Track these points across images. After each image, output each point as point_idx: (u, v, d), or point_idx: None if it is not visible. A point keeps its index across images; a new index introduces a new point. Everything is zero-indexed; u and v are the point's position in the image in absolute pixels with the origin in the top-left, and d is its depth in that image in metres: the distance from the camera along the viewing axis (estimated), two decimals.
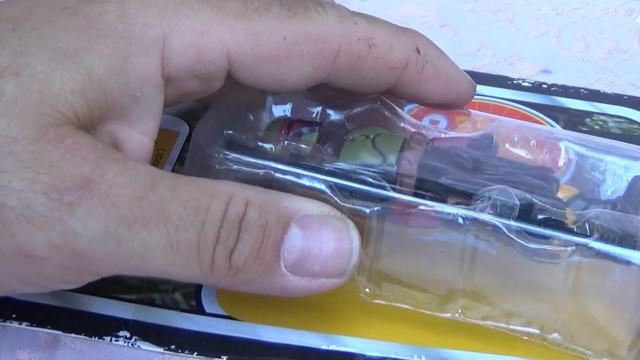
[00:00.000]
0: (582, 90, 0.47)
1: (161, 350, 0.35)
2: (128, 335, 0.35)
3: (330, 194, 0.31)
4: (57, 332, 0.35)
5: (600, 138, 0.36)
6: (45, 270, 0.29)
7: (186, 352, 0.34)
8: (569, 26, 0.53)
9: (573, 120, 0.44)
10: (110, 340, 0.35)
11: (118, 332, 0.35)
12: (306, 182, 0.32)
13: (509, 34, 0.53)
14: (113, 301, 0.36)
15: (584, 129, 0.43)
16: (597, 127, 0.44)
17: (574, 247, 0.30)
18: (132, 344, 0.35)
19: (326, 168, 0.32)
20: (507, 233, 0.30)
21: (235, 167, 0.32)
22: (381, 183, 0.32)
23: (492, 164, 0.33)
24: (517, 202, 0.30)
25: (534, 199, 0.31)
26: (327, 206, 0.31)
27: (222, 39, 0.31)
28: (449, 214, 0.31)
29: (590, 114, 0.45)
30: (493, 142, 0.34)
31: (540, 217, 0.30)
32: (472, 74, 0.45)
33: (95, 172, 0.28)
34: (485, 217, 0.30)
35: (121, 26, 0.30)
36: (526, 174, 0.32)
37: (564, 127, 0.44)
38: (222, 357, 0.34)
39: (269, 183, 0.32)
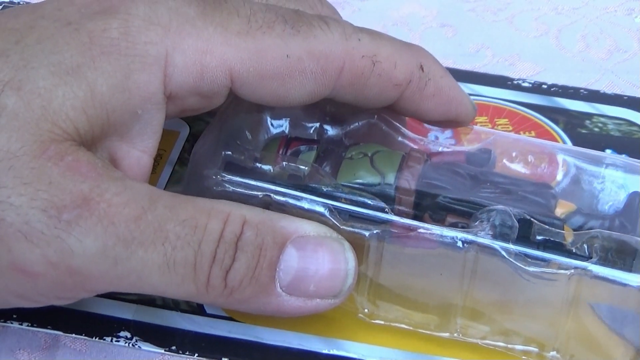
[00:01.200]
0: (582, 90, 0.46)
1: (162, 351, 0.35)
2: (129, 335, 0.35)
3: (329, 216, 0.31)
4: (58, 333, 0.35)
5: (598, 152, 0.35)
6: (40, 286, 0.29)
7: (187, 353, 0.34)
8: (569, 26, 0.53)
9: (573, 122, 0.44)
10: (111, 340, 0.35)
11: (119, 332, 0.35)
12: (305, 204, 0.32)
13: (509, 34, 0.53)
14: (114, 301, 0.36)
15: (584, 131, 0.43)
16: (596, 129, 0.43)
17: (572, 271, 0.30)
18: (132, 345, 0.35)
19: (325, 190, 0.32)
20: (506, 256, 0.30)
21: (232, 189, 0.32)
22: (380, 205, 0.32)
23: (490, 180, 0.33)
24: (516, 224, 0.30)
25: (532, 219, 0.30)
26: (323, 227, 0.31)
27: (225, 57, 0.31)
28: (447, 236, 0.31)
29: (590, 115, 0.45)
30: (491, 157, 0.34)
31: (538, 238, 0.30)
32: (471, 74, 0.45)
33: (94, 191, 0.28)
34: (484, 240, 0.30)
35: (124, 44, 0.30)
36: (524, 190, 0.32)
37: (564, 129, 0.43)
38: (222, 358, 0.34)
39: (268, 205, 0.32)
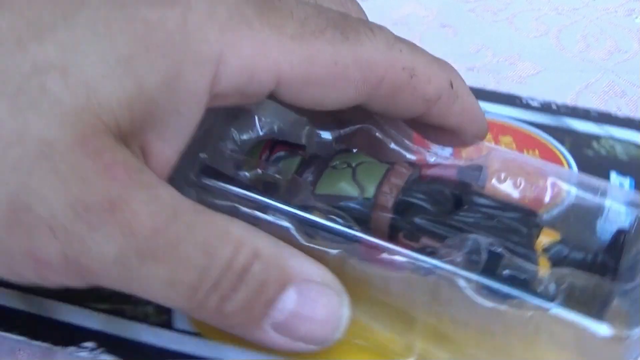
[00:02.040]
0: (592, 112, 0.46)
1: None
2: (94, 346, 0.34)
3: (293, 232, 0.31)
4: (22, 338, 0.34)
5: (598, 179, 0.34)
6: (45, 273, 0.29)
7: None
8: (569, 26, 0.53)
9: (579, 143, 0.44)
10: (76, 349, 0.34)
11: (84, 342, 0.34)
12: (270, 217, 0.31)
13: (509, 34, 0.53)
14: (83, 310, 0.35)
15: (590, 152, 0.43)
16: (603, 151, 0.43)
17: (532, 313, 0.29)
18: (95, 356, 0.34)
19: (294, 205, 0.32)
20: (465, 287, 0.29)
21: (205, 193, 0.32)
22: (348, 224, 0.31)
23: (474, 202, 0.32)
24: (485, 256, 0.30)
25: (502, 253, 0.30)
26: (329, 274, 0.30)
27: (277, 62, 0.30)
28: (412, 260, 0.30)
29: (598, 137, 0.44)
30: (481, 174, 0.34)
31: (505, 272, 0.29)
32: (480, 91, 0.45)
33: (122, 197, 0.27)
34: (450, 268, 0.30)
35: (179, 37, 0.28)
36: (507, 216, 0.32)
37: (570, 149, 0.43)
38: None
39: (236, 212, 0.31)
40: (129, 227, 0.27)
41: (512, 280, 0.29)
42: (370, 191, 0.32)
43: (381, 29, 0.32)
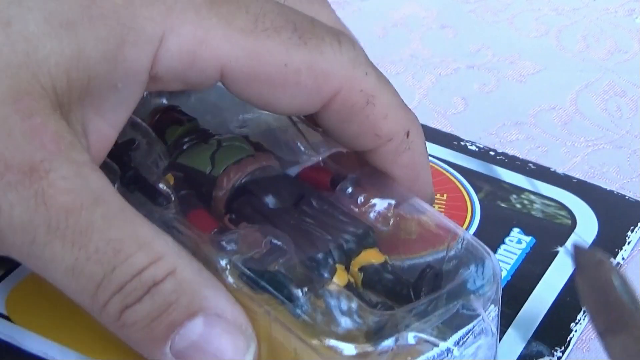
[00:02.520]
0: (530, 165, 0.44)
1: None
2: None
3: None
4: None
5: (450, 222, 0.32)
6: None
7: None
8: (569, 26, 0.53)
9: (497, 194, 0.42)
10: None
11: None
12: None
13: (509, 34, 0.53)
14: None
15: (503, 204, 0.41)
16: (519, 205, 0.41)
17: (267, 307, 0.29)
18: None
19: (148, 166, 0.32)
20: (222, 267, 0.29)
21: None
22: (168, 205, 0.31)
23: (317, 203, 0.32)
24: (265, 249, 0.29)
25: (283, 248, 0.29)
26: (244, 318, 0.29)
27: (220, 52, 0.30)
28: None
29: (521, 190, 0.42)
30: (348, 186, 0.33)
31: (276, 269, 0.29)
32: (423, 127, 0.45)
33: (44, 165, 0.27)
34: (216, 250, 0.30)
35: (124, 12, 0.29)
36: (340, 228, 0.31)
37: (482, 199, 0.41)
38: None
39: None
40: (43, 197, 0.27)
41: (272, 276, 0.29)
42: (219, 170, 0.32)
43: (354, 46, 0.31)
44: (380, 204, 0.32)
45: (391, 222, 0.32)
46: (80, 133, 0.29)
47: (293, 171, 0.33)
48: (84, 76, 0.28)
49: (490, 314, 0.30)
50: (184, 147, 0.34)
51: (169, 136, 0.34)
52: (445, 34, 0.53)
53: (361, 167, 0.33)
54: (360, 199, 0.32)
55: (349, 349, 0.28)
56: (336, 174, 0.33)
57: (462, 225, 0.40)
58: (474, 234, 0.39)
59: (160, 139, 0.34)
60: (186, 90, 0.32)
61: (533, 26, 0.53)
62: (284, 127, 0.35)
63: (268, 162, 0.33)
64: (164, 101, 0.37)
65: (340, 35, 0.31)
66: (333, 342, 0.28)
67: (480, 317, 0.30)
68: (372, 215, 0.32)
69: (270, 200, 0.32)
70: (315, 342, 0.28)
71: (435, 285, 0.30)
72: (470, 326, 0.29)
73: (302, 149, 0.34)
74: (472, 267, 0.30)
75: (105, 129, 0.30)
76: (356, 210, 0.32)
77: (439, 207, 0.41)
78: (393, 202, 0.32)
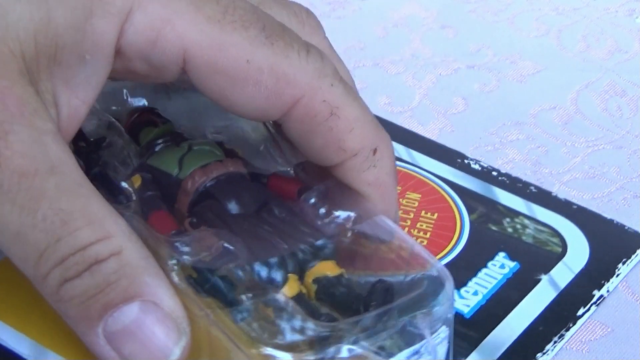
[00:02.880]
0: (531, 188, 0.43)
1: None
2: None
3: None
4: None
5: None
6: None
7: None
8: (570, 26, 0.53)
9: (490, 216, 0.41)
10: None
11: None
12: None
13: (509, 34, 0.53)
14: None
15: (494, 227, 0.41)
16: (510, 229, 0.40)
17: (208, 311, 0.28)
18: None
19: (117, 166, 0.32)
20: (169, 265, 0.29)
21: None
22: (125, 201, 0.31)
23: (279, 211, 0.31)
24: (215, 252, 0.29)
25: (233, 251, 0.29)
26: (181, 312, 0.28)
27: (184, 35, 0.29)
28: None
29: (516, 214, 0.41)
30: (312, 199, 0.33)
31: (210, 276, 0.29)
32: (428, 142, 0.44)
33: (4, 126, 0.27)
34: (171, 249, 0.29)
35: None
36: (299, 238, 0.31)
37: (475, 220, 0.41)
38: None
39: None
40: None
41: (216, 280, 0.29)
42: (185, 173, 0.32)
43: (322, 58, 0.31)
44: (342, 217, 0.32)
45: (349, 235, 0.31)
46: (50, 103, 0.29)
47: (262, 179, 0.33)
48: (52, 43, 0.28)
49: (440, 335, 0.30)
50: (156, 149, 0.34)
51: (143, 138, 0.35)
52: (446, 34, 0.53)
53: (332, 179, 0.33)
54: (323, 210, 0.32)
55: (285, 358, 0.27)
56: (304, 184, 0.33)
57: (446, 246, 0.40)
58: (457, 256, 0.39)
59: (134, 140, 0.34)
60: (152, 79, 0.31)
61: (533, 26, 0.53)
62: (259, 135, 0.35)
63: (235, 169, 0.33)
64: (144, 103, 0.37)
65: (311, 47, 0.31)
66: (269, 351, 0.27)
67: (426, 339, 0.29)
68: (332, 227, 0.32)
69: (232, 206, 0.32)
70: (252, 350, 0.27)
71: (386, 300, 0.29)
72: (417, 346, 0.29)
73: (276, 158, 0.34)
74: (425, 285, 0.30)
75: (76, 103, 0.30)
76: (318, 222, 0.32)
77: (427, 226, 0.40)
78: (354, 216, 0.32)
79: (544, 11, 0.54)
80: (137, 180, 0.32)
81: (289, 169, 0.34)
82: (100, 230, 0.28)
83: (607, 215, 0.41)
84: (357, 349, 0.28)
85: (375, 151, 0.32)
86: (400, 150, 0.44)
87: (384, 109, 0.47)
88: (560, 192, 0.43)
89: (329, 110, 0.31)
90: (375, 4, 0.55)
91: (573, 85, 0.49)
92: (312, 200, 0.32)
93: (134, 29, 0.29)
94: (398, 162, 0.42)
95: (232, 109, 0.31)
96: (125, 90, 0.37)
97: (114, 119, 0.35)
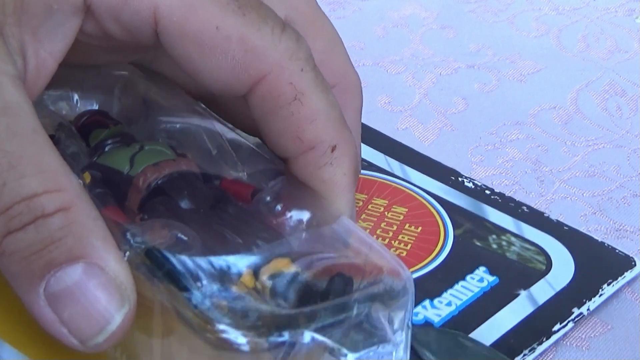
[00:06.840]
0: (523, 207, 0.42)
1: None
2: None
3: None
4: None
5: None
6: None
7: None
8: (570, 26, 0.53)
9: (475, 232, 0.40)
10: None
11: None
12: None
13: (509, 34, 0.53)
14: None
15: (479, 243, 0.40)
16: (495, 245, 0.40)
17: (163, 296, 0.28)
18: None
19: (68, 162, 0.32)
20: (129, 253, 0.28)
21: None
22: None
23: (232, 209, 0.31)
24: (170, 241, 0.29)
25: (187, 242, 0.29)
26: (128, 280, 0.27)
27: None
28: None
29: (503, 231, 0.41)
30: (268, 199, 0.33)
31: (165, 262, 0.28)
32: (425, 160, 0.43)
33: None
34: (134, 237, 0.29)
35: None
36: (253, 234, 0.31)
37: (460, 235, 0.40)
38: None
39: None
40: None
41: (171, 267, 0.28)
42: (136, 171, 0.32)
43: (298, 40, 0.30)
44: (298, 215, 0.31)
45: (304, 235, 0.31)
46: (15, 50, 0.28)
47: (215, 181, 0.33)
48: None
49: (397, 337, 0.29)
50: (106, 149, 0.33)
51: (93, 139, 0.34)
52: (446, 34, 0.53)
53: (287, 176, 0.32)
54: (278, 207, 0.31)
55: (240, 339, 0.27)
56: (258, 187, 0.32)
57: (425, 258, 0.39)
58: (435, 268, 0.38)
59: (84, 141, 0.34)
60: (129, 48, 0.31)
61: (533, 26, 0.53)
62: (213, 141, 0.35)
63: (188, 167, 0.32)
64: (95, 106, 0.37)
65: (287, 27, 0.30)
66: (226, 334, 0.27)
67: (388, 338, 0.29)
68: (288, 225, 0.31)
69: (185, 203, 0.31)
70: (208, 334, 0.27)
71: (345, 291, 0.29)
72: (374, 347, 0.29)
73: (229, 163, 0.34)
74: (386, 280, 0.29)
75: (44, 55, 0.29)
76: (273, 220, 0.31)
77: (408, 238, 0.40)
78: (309, 215, 0.31)
79: (544, 11, 0.55)
80: (86, 178, 0.32)
81: (241, 175, 0.34)
82: (50, 181, 0.26)
83: (607, 215, 0.42)
84: (317, 336, 0.28)
85: (334, 148, 0.31)
86: (394, 165, 0.44)
87: (384, 109, 0.48)
88: (560, 190, 0.43)
89: (293, 94, 0.30)
90: (375, 4, 0.55)
91: (573, 85, 0.49)
92: (267, 199, 0.31)
93: None
94: (389, 177, 0.43)
95: (200, 78, 0.30)
96: (75, 95, 0.37)
97: (63, 120, 0.34)
